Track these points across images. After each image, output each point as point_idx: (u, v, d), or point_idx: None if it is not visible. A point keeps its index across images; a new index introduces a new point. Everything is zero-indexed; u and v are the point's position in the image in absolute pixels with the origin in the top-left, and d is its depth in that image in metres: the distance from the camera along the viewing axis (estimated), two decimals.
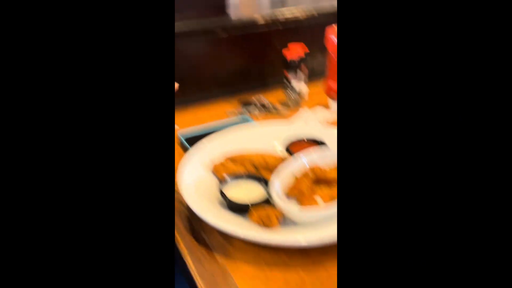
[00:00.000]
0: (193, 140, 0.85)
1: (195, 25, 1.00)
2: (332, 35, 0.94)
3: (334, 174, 0.66)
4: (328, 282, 0.53)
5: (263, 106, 1.03)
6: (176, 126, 0.82)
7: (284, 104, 1.05)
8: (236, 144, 0.79)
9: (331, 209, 0.60)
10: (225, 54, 1.08)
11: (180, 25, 0.96)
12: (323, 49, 0.98)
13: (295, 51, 1.01)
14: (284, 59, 1.01)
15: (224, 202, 0.65)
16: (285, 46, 1.02)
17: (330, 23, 0.98)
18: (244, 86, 1.12)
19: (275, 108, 1.03)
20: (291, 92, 1.04)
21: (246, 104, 1.05)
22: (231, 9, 1.04)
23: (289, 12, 1.11)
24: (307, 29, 1.12)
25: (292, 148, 0.78)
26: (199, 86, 1.07)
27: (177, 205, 0.69)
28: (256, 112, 1.02)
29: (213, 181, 0.71)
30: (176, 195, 0.69)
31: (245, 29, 1.06)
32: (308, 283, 0.53)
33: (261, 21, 1.08)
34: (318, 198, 0.62)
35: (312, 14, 1.12)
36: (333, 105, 1.01)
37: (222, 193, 0.65)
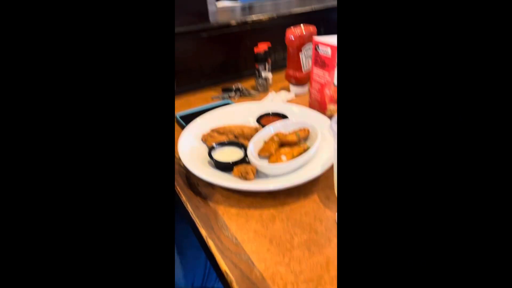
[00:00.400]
0: (186, 118, 0.84)
1: (185, 29, 0.97)
2: (290, 34, 0.93)
3: (293, 137, 0.67)
4: (291, 215, 0.55)
5: (240, 91, 1.03)
6: None
7: (255, 88, 1.05)
8: (220, 120, 0.78)
9: (292, 164, 0.61)
10: (209, 51, 1.05)
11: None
12: (284, 46, 0.97)
13: (262, 48, 1.00)
14: (254, 54, 1.00)
15: (212, 163, 0.65)
16: (255, 44, 1.00)
17: (288, 25, 0.97)
18: (224, 77, 1.10)
19: (248, 93, 1.03)
20: (260, 79, 1.03)
21: (227, 90, 1.04)
22: (210, 16, 1.01)
23: (255, 16, 1.09)
24: (270, 30, 1.10)
25: (262, 120, 0.78)
26: (189, 78, 1.04)
27: (177, 167, 0.69)
28: (235, 96, 1.01)
29: (204, 148, 0.71)
30: (176, 160, 0.69)
31: (222, 30, 1.04)
32: (277, 217, 0.55)
33: (234, 24, 1.06)
34: (283, 157, 0.63)
35: (272, 17, 1.11)
36: (292, 88, 1.01)
37: (210, 156, 0.65)
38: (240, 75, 1.12)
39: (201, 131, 0.75)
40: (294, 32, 0.92)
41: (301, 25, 0.94)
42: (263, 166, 0.61)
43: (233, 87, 1.03)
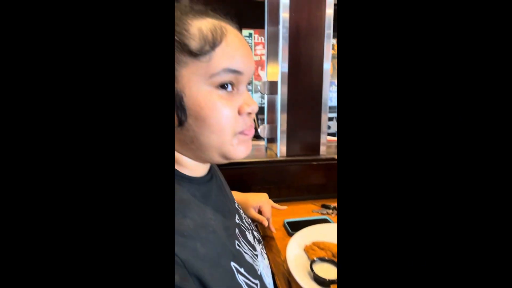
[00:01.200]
0: (292, 225, 0.85)
1: (301, 158, 1.08)
2: None
3: None
4: None
5: (336, 209, 1.01)
6: (284, 207, 0.82)
7: None
8: (319, 235, 0.77)
9: None
10: (315, 174, 1.12)
11: (292, 158, 1.05)
12: None
13: None
14: None
15: (312, 274, 0.63)
16: None
17: None
18: (324, 194, 1.12)
19: None
20: None
21: (325, 206, 1.04)
22: (320, 150, 1.11)
23: None
24: None
25: None
26: (298, 191, 1.10)
27: (281, 268, 0.68)
28: (332, 213, 1.00)
29: (305, 257, 0.69)
30: (281, 262, 0.69)
31: (327, 161, 1.11)
32: None
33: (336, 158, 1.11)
34: None
35: None
36: None
37: (311, 268, 0.63)
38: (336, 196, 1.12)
39: (304, 241, 0.74)
40: None
41: None
42: None
43: (331, 205, 1.03)
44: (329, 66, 1.02)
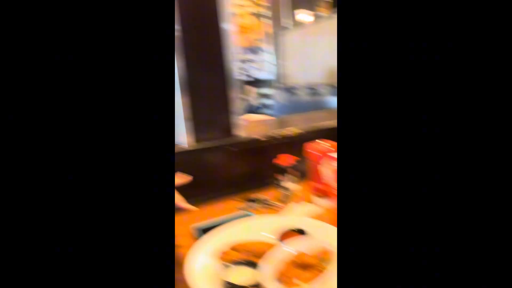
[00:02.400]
0: (206, 232, 0.78)
1: (214, 144, 1.02)
2: (309, 149, 0.92)
3: (313, 260, 0.59)
4: None
5: (263, 202, 0.97)
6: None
7: (278, 200, 0.99)
8: (237, 234, 0.73)
9: None
10: (235, 163, 1.07)
11: (202, 143, 0.99)
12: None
13: (284, 160, 0.98)
14: (276, 166, 0.98)
15: (225, 285, 0.58)
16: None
17: (314, 139, 0.96)
18: (248, 186, 1.08)
19: (271, 203, 0.97)
20: (282, 190, 0.98)
21: (250, 200, 0.99)
22: (238, 132, 1.06)
23: (286, 131, 1.13)
24: (298, 144, 1.09)
25: (282, 237, 0.71)
26: (214, 187, 1.04)
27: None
28: (258, 207, 0.95)
29: (217, 266, 0.64)
30: (184, 280, 0.60)
31: (249, 145, 1.07)
32: None
33: (261, 139, 1.08)
34: (298, 281, 0.55)
35: (301, 132, 1.13)
36: (316, 200, 0.94)
37: (224, 279, 0.58)
38: (264, 185, 1.10)
39: (216, 247, 0.68)
40: (313, 147, 0.92)
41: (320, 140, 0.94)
42: None
43: (256, 197, 1.00)
44: (229, 27, 0.96)
